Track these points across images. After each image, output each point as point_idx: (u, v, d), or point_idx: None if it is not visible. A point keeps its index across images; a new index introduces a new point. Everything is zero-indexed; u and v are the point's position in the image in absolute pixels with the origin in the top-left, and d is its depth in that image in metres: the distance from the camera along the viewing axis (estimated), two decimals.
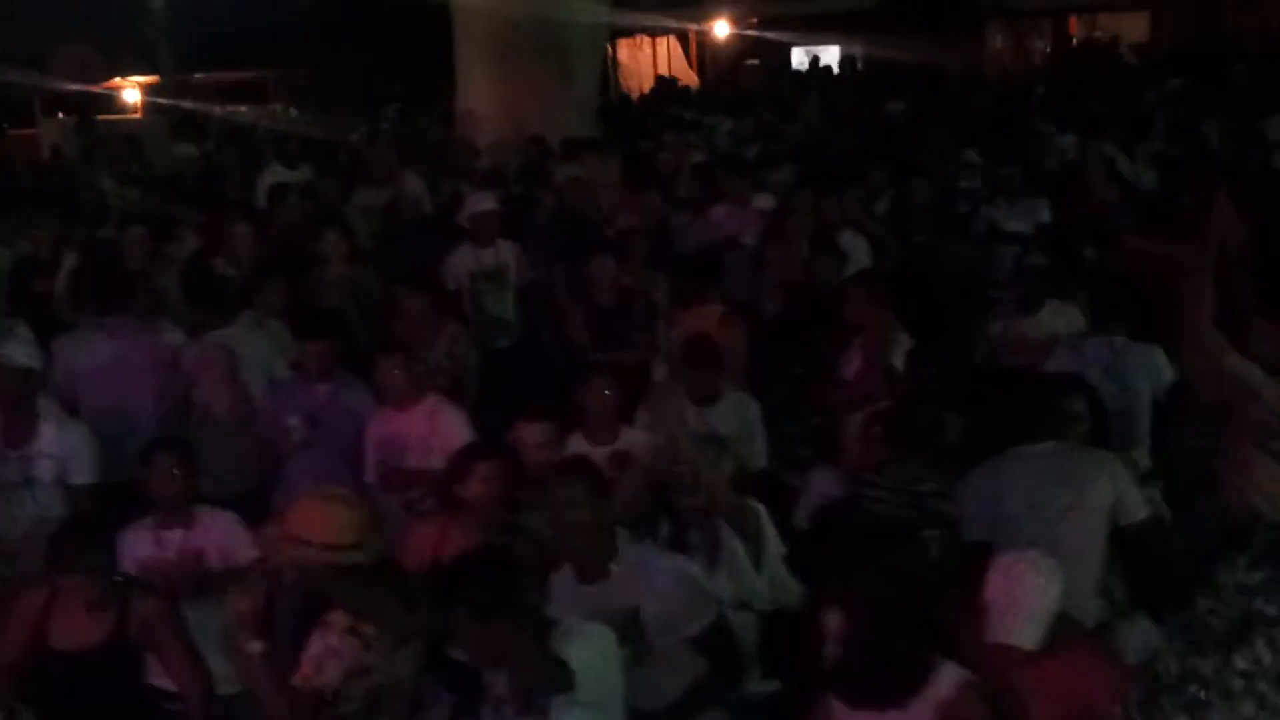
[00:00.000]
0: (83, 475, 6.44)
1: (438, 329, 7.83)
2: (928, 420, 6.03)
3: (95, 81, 24.45)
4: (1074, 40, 26.67)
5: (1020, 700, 4.18)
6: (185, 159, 14.27)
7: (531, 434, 6.01)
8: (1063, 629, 4.29)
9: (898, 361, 7.02)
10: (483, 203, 9.48)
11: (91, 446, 6.50)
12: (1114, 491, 5.40)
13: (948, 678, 4.05)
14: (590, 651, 4.22)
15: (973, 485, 5.64)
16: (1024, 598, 4.24)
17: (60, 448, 6.41)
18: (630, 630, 4.68)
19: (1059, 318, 7.66)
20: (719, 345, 7.06)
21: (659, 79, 24.90)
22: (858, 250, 9.08)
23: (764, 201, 10.17)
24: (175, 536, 5.74)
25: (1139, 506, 5.46)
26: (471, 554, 4.44)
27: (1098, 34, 26.32)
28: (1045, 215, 10.02)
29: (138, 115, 24.01)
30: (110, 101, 25.09)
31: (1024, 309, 7.72)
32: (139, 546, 5.74)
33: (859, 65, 24.56)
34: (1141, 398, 6.83)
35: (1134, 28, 26.19)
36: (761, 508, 5.53)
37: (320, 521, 4.56)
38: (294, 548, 4.58)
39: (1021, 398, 5.90)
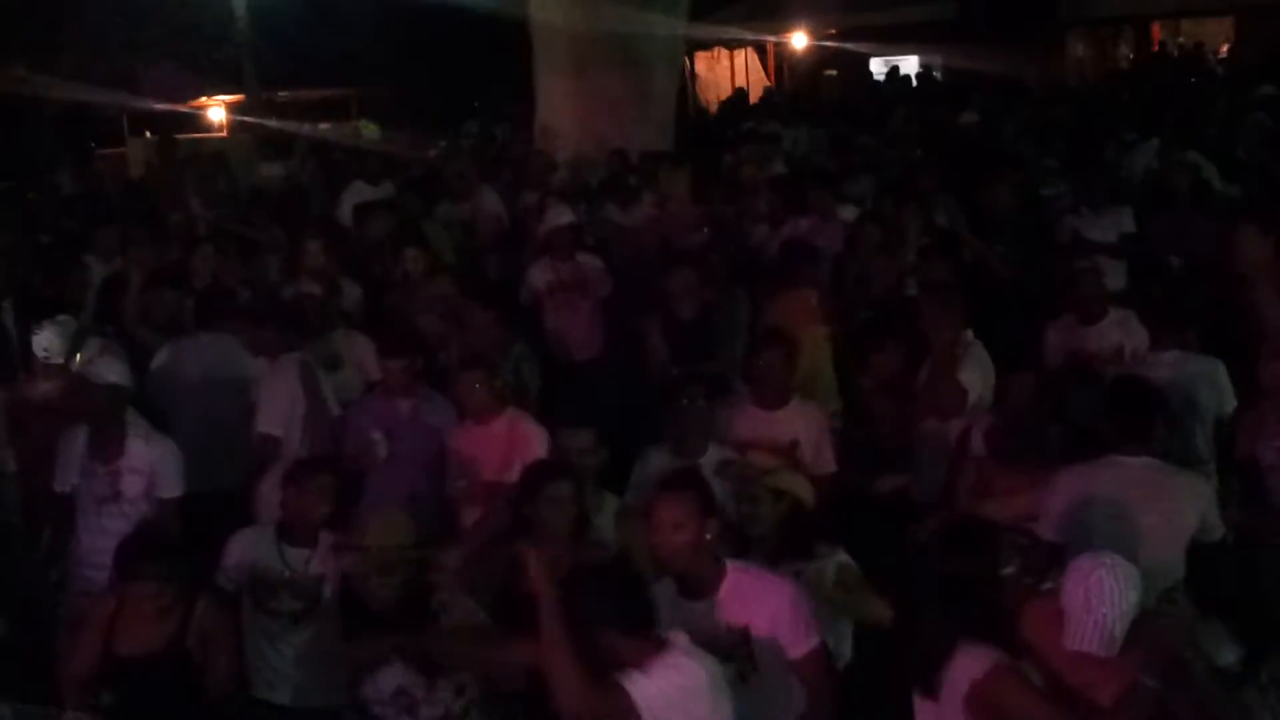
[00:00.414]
0: (170, 489, 6.56)
1: (505, 346, 7.88)
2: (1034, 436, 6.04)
3: (182, 101, 24.85)
4: (1157, 47, 26.31)
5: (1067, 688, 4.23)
6: (271, 178, 14.41)
7: (572, 441, 6.04)
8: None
9: (969, 376, 6.95)
10: (561, 216, 9.53)
11: (179, 461, 6.61)
12: (1199, 516, 5.35)
13: (977, 661, 4.13)
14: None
15: (1060, 485, 5.58)
16: (1100, 605, 4.22)
17: (148, 463, 6.52)
18: (739, 649, 4.66)
19: (1118, 327, 7.56)
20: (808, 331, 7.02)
21: (736, 91, 24.88)
22: None
23: (846, 213, 10.12)
24: (301, 555, 5.78)
25: (1216, 528, 5.44)
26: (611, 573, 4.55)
27: (1181, 41, 25.97)
28: (1130, 225, 9.90)
29: (223, 134, 24.37)
30: (196, 120, 25.50)
31: (1085, 319, 7.62)
32: (259, 553, 5.81)
33: (937, 75, 24.38)
34: (1205, 414, 6.75)
35: (1218, 34, 25.83)
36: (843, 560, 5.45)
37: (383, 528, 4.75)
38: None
39: (1122, 404, 5.77)
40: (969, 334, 7.25)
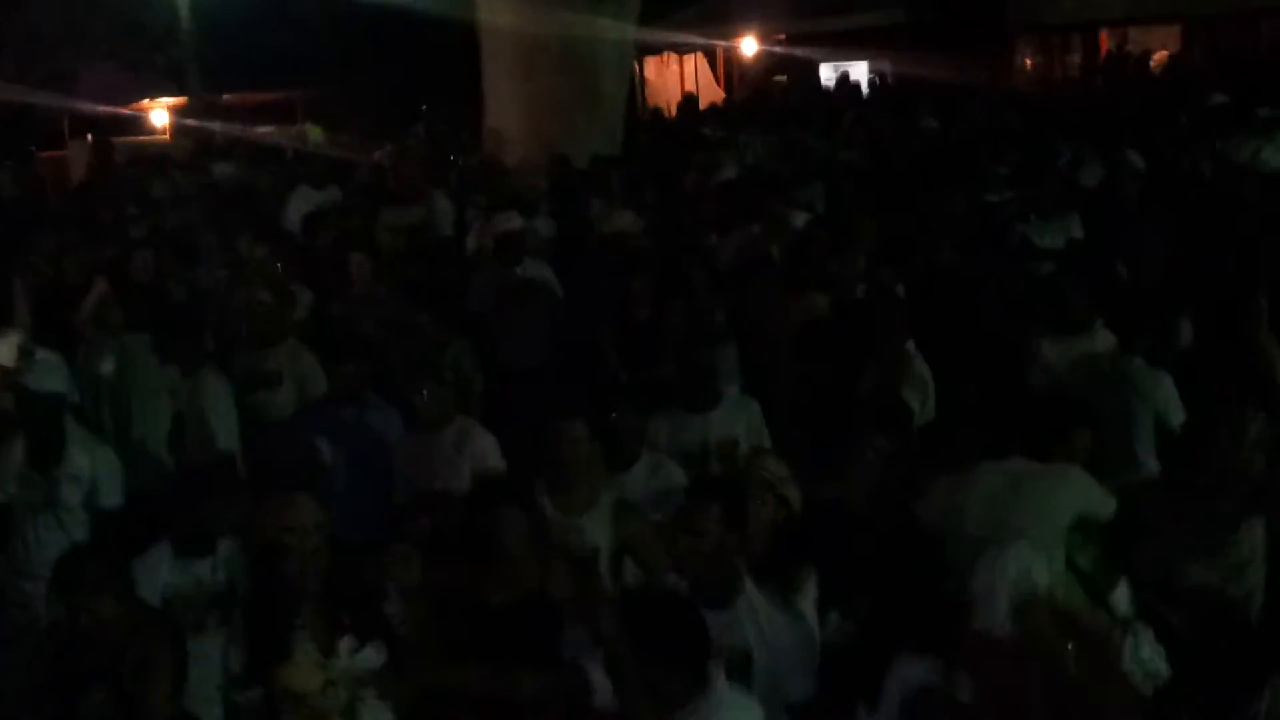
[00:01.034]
0: (111, 498, 6.46)
1: (441, 345, 7.80)
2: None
3: (124, 103, 24.60)
4: (1104, 54, 26.49)
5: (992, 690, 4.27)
6: (224, 178, 14.21)
7: (572, 430, 5.90)
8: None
9: (911, 393, 6.94)
10: (509, 222, 9.45)
11: (119, 469, 6.49)
12: (1075, 507, 5.34)
13: (910, 673, 4.24)
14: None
15: (934, 493, 5.64)
16: (1003, 586, 4.31)
17: (87, 471, 6.39)
18: (734, 672, 4.54)
19: (1095, 338, 7.54)
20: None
21: (685, 96, 24.85)
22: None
23: (798, 219, 10.07)
24: (205, 565, 5.64)
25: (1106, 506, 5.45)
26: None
27: (1129, 48, 26.16)
28: (1078, 231, 9.91)
29: (166, 137, 24.12)
30: (139, 123, 25.23)
31: (1074, 330, 7.58)
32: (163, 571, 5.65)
33: (888, 80, 24.46)
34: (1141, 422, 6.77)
35: (1165, 42, 26.04)
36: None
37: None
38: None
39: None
40: (910, 345, 7.26)
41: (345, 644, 4.74)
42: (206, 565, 5.56)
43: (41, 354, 7.32)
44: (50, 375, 6.59)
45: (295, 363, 7.79)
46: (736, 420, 6.74)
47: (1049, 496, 5.34)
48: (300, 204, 11.55)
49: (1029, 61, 27.20)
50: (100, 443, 6.70)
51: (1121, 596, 5.12)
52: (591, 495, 5.79)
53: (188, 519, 5.61)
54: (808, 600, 4.92)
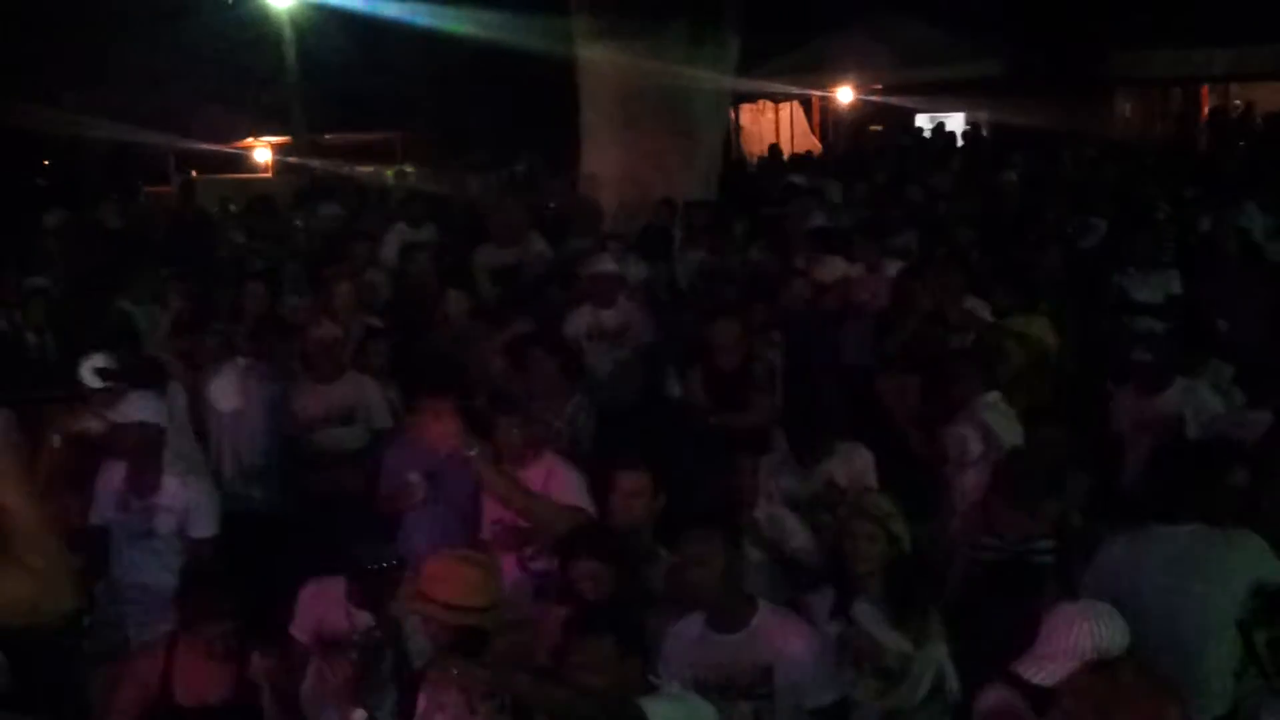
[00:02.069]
0: (202, 529, 6.55)
1: (567, 395, 7.81)
2: (1039, 477, 6.07)
3: (229, 141, 25.11)
4: (1206, 109, 26.20)
5: None
6: (330, 218, 14.46)
7: (627, 483, 5.90)
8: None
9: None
10: (603, 263, 9.50)
11: (214, 501, 6.62)
12: (1252, 574, 5.16)
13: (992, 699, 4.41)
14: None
15: (1101, 559, 5.48)
16: (1064, 643, 4.20)
17: (182, 501, 6.51)
18: (760, 689, 4.73)
19: (1188, 395, 7.45)
20: None
21: (771, 147, 24.90)
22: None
23: (891, 268, 10.05)
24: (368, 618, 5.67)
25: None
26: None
27: (1234, 103, 25.87)
28: (1177, 286, 9.80)
29: (269, 174, 24.57)
30: (243, 161, 25.72)
31: (1151, 388, 7.51)
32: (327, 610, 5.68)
33: (984, 132, 24.33)
34: None
35: (1268, 98, 25.68)
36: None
37: (453, 581, 4.60)
38: (424, 605, 4.62)
39: (1171, 468, 5.65)
40: (993, 397, 7.23)
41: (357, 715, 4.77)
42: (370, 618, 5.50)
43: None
44: (141, 405, 6.65)
45: (360, 395, 7.97)
46: (844, 466, 6.71)
47: (1227, 564, 5.17)
48: (396, 241, 11.72)
49: (1129, 114, 26.92)
50: (197, 474, 6.80)
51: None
52: (653, 545, 5.74)
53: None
54: (937, 643, 4.95)
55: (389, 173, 19.55)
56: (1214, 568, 5.14)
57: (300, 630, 5.62)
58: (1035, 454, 6.40)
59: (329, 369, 8.04)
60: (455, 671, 4.55)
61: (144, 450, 6.53)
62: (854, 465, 6.71)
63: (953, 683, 4.95)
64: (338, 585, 5.58)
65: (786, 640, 4.82)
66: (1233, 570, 5.13)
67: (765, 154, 24.31)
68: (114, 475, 6.60)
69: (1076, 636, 4.18)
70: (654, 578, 5.61)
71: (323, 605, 5.58)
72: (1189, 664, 5.00)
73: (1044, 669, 4.23)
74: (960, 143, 23.13)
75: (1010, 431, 6.95)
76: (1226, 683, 5.10)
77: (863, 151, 22.89)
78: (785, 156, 22.70)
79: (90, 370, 7.22)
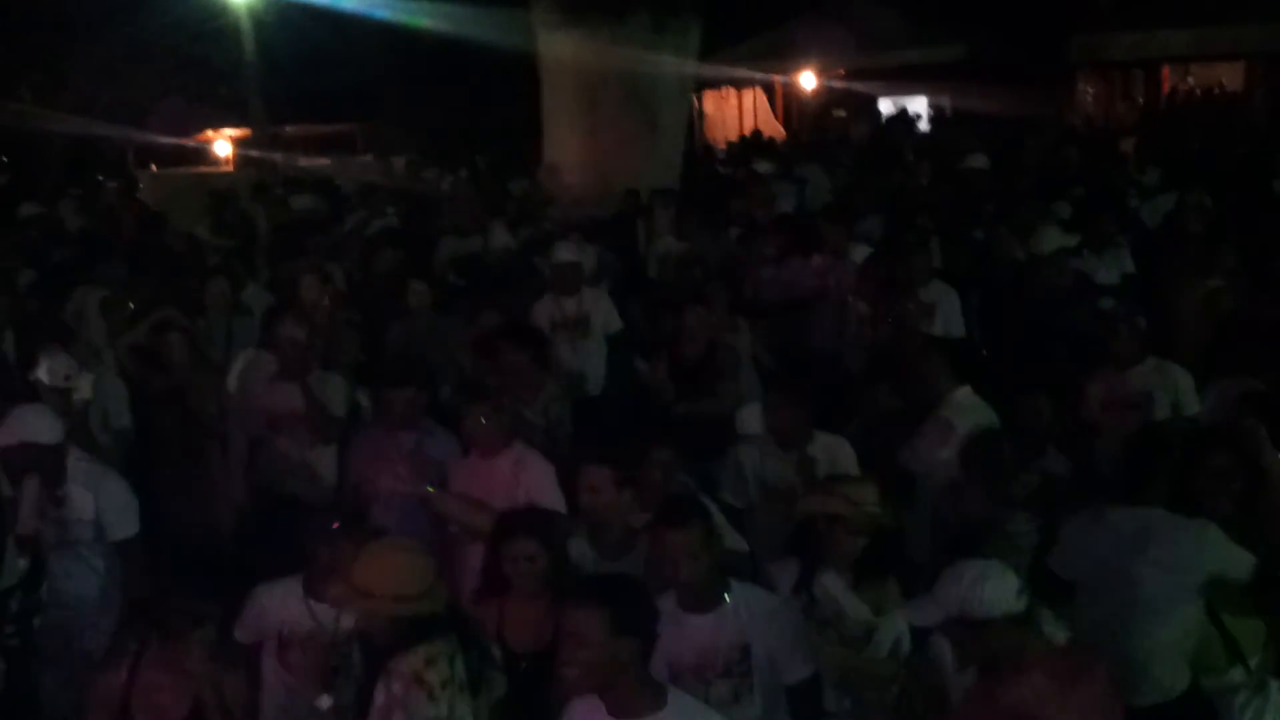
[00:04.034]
0: (122, 531, 6.30)
1: (539, 386, 7.78)
2: (1008, 456, 6.19)
3: (188, 135, 24.93)
4: (1166, 90, 26.34)
5: None
6: (305, 211, 14.35)
7: (588, 476, 5.84)
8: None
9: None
10: (565, 253, 9.47)
11: (127, 499, 6.36)
12: (1209, 564, 5.16)
13: None
14: None
15: (1062, 538, 5.59)
16: (944, 593, 4.32)
17: (92, 510, 6.28)
18: (738, 666, 4.74)
19: (1158, 373, 7.44)
20: None
21: (742, 135, 24.93)
22: (947, 302, 8.98)
23: (858, 253, 10.05)
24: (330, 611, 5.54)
25: (1240, 568, 5.20)
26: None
27: (1192, 84, 26.02)
28: (1130, 265, 9.85)
29: (229, 168, 24.40)
30: (203, 154, 25.55)
31: (1120, 365, 7.53)
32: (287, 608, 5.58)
33: (947, 115, 24.42)
34: None
35: (1229, 79, 25.85)
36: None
37: (388, 573, 4.54)
38: (362, 600, 4.56)
39: (1146, 451, 5.67)
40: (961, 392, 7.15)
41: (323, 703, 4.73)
42: (332, 611, 5.35)
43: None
44: (27, 423, 6.39)
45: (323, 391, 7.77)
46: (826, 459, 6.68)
47: (1178, 550, 5.18)
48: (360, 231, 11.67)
49: (1090, 97, 27.05)
50: (105, 478, 6.42)
51: (1263, 662, 5.09)
52: (625, 538, 5.72)
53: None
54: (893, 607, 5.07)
55: (400, 164, 19.24)
56: (1163, 551, 5.15)
57: (248, 631, 5.52)
58: (1016, 423, 6.46)
59: (298, 367, 7.90)
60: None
61: (38, 468, 6.28)
62: (836, 457, 6.69)
63: (906, 646, 5.09)
64: (295, 584, 5.52)
65: (766, 618, 4.81)
66: (1183, 557, 5.13)
67: (730, 141, 24.34)
68: (32, 483, 6.36)
69: (954, 590, 4.27)
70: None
71: (282, 607, 5.50)
72: (1129, 645, 5.05)
73: (921, 611, 4.45)
74: (927, 126, 23.20)
75: (986, 420, 6.95)
76: (1170, 670, 5.13)
77: (825, 137, 22.91)
78: (750, 142, 22.71)
79: (48, 367, 7.16)
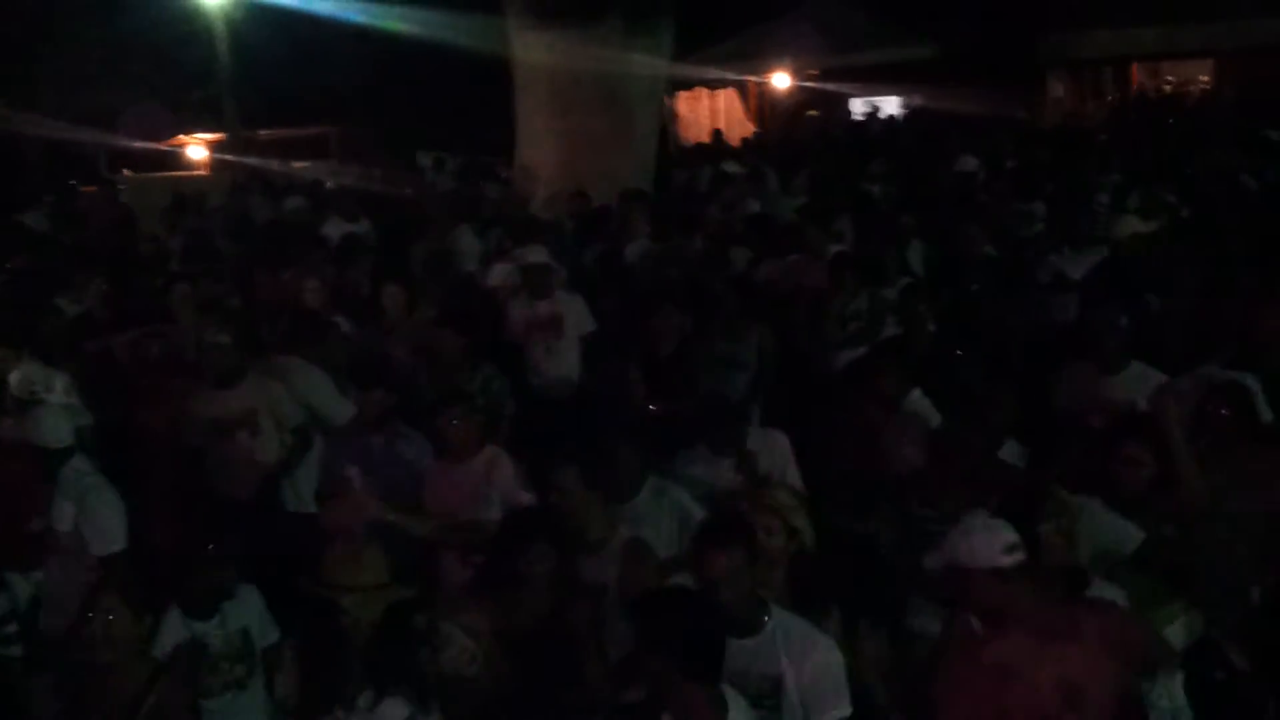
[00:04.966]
0: (105, 546, 6.29)
1: (471, 369, 7.83)
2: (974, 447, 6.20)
3: (162, 139, 24.82)
4: (1136, 88, 26.47)
5: None
6: (293, 211, 14.31)
7: (555, 476, 5.88)
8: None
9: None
10: (534, 255, 9.48)
11: (115, 515, 6.36)
12: (1088, 542, 5.29)
13: None
14: None
15: None
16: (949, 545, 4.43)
17: (78, 522, 6.31)
18: (767, 700, 4.58)
19: (1141, 381, 7.18)
20: None
21: (714, 132, 24.94)
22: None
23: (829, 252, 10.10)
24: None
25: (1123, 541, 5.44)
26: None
27: (1165, 81, 26.19)
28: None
29: (204, 172, 24.32)
30: (177, 158, 25.44)
31: (1106, 369, 7.46)
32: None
33: (919, 115, 24.49)
34: None
35: (1198, 76, 26.01)
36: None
37: (363, 563, 4.62)
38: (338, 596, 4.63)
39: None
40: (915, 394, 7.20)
41: (364, 699, 4.73)
42: (214, 624, 5.51)
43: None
44: (52, 429, 6.43)
45: (261, 398, 7.61)
46: (761, 455, 6.64)
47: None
48: (332, 235, 11.66)
49: (1060, 95, 27.18)
50: (95, 491, 6.43)
51: (1176, 632, 5.15)
52: (600, 534, 5.76)
53: (193, 584, 5.52)
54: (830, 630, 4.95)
55: (432, 158, 19.25)
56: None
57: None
58: (980, 416, 6.48)
59: (226, 372, 7.70)
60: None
61: (42, 475, 6.35)
62: (772, 453, 6.66)
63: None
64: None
65: (804, 652, 4.65)
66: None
67: (703, 142, 24.36)
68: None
69: (954, 537, 4.41)
70: (591, 570, 5.63)
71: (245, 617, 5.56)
72: None
73: (930, 557, 4.56)
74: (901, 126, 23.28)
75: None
76: None
77: (798, 137, 22.97)
78: (723, 143, 22.74)
79: (17, 377, 7.15)
